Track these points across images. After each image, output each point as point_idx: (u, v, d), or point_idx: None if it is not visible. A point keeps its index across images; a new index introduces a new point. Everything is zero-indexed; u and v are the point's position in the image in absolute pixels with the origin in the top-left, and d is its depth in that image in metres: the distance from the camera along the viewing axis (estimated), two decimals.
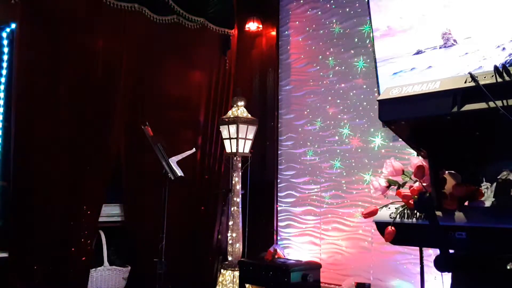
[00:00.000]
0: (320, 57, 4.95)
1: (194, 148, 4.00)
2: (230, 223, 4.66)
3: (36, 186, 3.87)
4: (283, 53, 5.37)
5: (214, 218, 4.97)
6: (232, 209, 4.66)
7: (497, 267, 1.42)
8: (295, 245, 4.94)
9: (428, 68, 3.87)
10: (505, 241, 1.20)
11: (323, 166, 4.77)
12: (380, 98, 1.29)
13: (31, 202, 3.82)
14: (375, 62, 4.24)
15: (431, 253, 3.45)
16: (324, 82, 4.88)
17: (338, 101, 4.73)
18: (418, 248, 3.29)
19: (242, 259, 4.50)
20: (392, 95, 1.26)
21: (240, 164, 4.71)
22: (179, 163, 3.42)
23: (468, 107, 1.12)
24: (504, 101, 1.06)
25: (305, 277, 4.04)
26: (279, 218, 5.14)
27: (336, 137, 4.70)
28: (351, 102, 4.61)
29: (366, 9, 4.36)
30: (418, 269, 3.26)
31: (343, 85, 4.70)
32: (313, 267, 4.22)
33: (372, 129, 4.41)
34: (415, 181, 1.53)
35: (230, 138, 4.64)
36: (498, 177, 1.33)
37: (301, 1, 5.23)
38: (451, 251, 1.67)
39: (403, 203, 1.44)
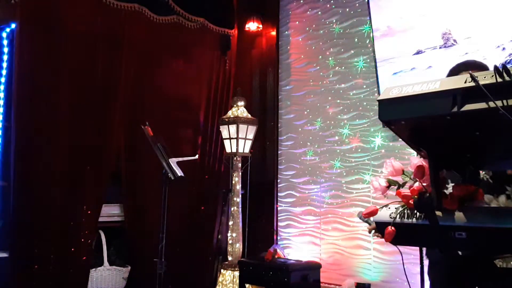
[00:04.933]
0: (320, 57, 4.96)
1: (197, 155, 4.01)
2: (230, 223, 4.66)
3: (36, 186, 3.87)
4: (283, 53, 5.37)
5: (214, 218, 4.97)
6: (232, 209, 4.66)
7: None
8: (295, 245, 4.94)
9: (428, 68, 3.87)
10: (505, 241, 1.20)
11: (323, 166, 4.77)
12: (380, 98, 1.29)
13: (31, 202, 3.82)
14: (375, 62, 4.24)
15: None
16: (324, 82, 4.88)
17: (338, 101, 4.73)
18: (418, 248, 3.29)
19: (242, 259, 4.50)
20: (392, 95, 1.26)
21: (240, 164, 4.71)
22: (179, 163, 3.42)
23: (468, 107, 1.11)
24: (504, 101, 1.06)
25: (305, 277, 4.04)
26: (279, 218, 5.14)
27: (336, 137, 4.70)
28: (351, 102, 4.61)
29: (366, 9, 4.37)
30: (418, 269, 3.26)
31: (343, 85, 4.70)
32: (313, 267, 4.22)
33: (372, 129, 4.41)
34: (415, 181, 1.53)
35: (230, 138, 4.64)
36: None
37: (301, 1, 5.23)
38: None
39: (403, 203, 1.44)
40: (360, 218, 2.31)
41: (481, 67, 2.09)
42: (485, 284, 1.87)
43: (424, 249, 2.18)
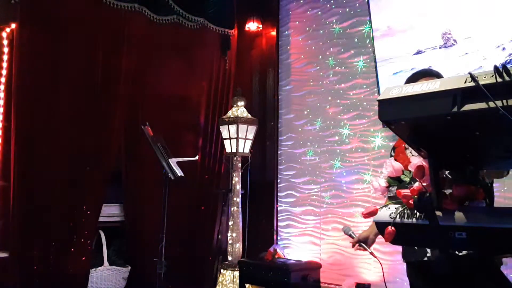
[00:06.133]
0: (320, 57, 4.95)
1: (197, 156, 4.01)
2: (230, 223, 4.66)
3: (36, 186, 3.87)
4: (283, 53, 5.37)
5: (214, 218, 4.97)
6: (232, 209, 4.66)
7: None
8: (295, 245, 4.94)
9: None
10: (505, 241, 1.20)
11: (323, 166, 4.77)
12: (380, 98, 1.29)
13: (31, 202, 3.83)
14: (375, 62, 4.24)
15: None
16: (324, 82, 4.88)
17: (338, 101, 4.73)
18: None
19: (242, 259, 4.50)
20: (392, 95, 1.26)
21: (240, 164, 4.71)
22: (179, 163, 3.42)
23: (468, 107, 1.11)
24: (504, 101, 1.06)
25: (305, 277, 4.04)
26: (279, 218, 5.14)
27: (336, 137, 4.70)
28: (351, 102, 4.61)
29: (366, 9, 4.37)
30: None
31: (343, 85, 4.70)
32: (313, 267, 4.22)
33: (372, 129, 4.41)
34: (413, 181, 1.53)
35: (230, 138, 4.64)
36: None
37: (301, 1, 5.23)
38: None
39: (403, 203, 1.44)
40: (344, 232, 2.37)
41: (438, 75, 2.15)
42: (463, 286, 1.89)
43: (400, 252, 2.21)
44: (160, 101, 4.64)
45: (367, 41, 4.49)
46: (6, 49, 3.91)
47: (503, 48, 3.44)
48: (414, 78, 2.19)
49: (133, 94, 4.48)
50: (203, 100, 5.01)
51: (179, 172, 3.34)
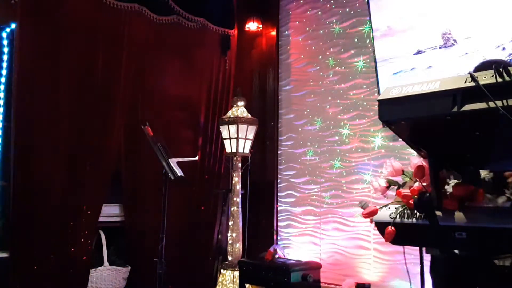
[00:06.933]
0: (320, 57, 4.95)
1: (197, 157, 4.01)
2: (230, 223, 4.66)
3: (36, 186, 3.86)
4: (283, 53, 5.37)
5: (214, 218, 4.97)
6: (232, 209, 4.66)
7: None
8: (295, 245, 4.94)
9: (428, 68, 3.87)
10: (505, 241, 1.20)
11: (323, 166, 4.77)
12: (380, 98, 1.29)
13: (31, 202, 3.82)
14: (375, 62, 4.24)
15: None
16: (324, 82, 4.88)
17: (338, 101, 4.73)
18: (418, 248, 3.29)
19: (242, 259, 4.50)
20: (392, 95, 1.26)
21: (240, 164, 4.71)
22: (179, 164, 3.42)
23: (468, 107, 1.12)
24: (504, 101, 1.06)
25: (305, 277, 4.04)
26: (279, 218, 5.14)
27: (336, 137, 4.70)
28: (351, 102, 4.61)
29: (366, 9, 4.37)
30: (418, 269, 3.26)
31: (343, 85, 4.70)
32: (313, 267, 4.21)
33: (372, 129, 4.41)
34: (415, 181, 1.53)
35: (230, 138, 4.64)
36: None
37: (301, 1, 5.23)
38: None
39: (403, 203, 1.44)
40: (361, 207, 2.30)
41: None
42: (486, 283, 1.88)
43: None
44: (160, 101, 4.64)
45: (367, 41, 4.49)
46: (6, 49, 3.91)
47: (503, 48, 3.44)
48: (485, 66, 2.14)
49: (133, 94, 4.48)
50: (203, 100, 5.00)
51: (179, 172, 3.34)
